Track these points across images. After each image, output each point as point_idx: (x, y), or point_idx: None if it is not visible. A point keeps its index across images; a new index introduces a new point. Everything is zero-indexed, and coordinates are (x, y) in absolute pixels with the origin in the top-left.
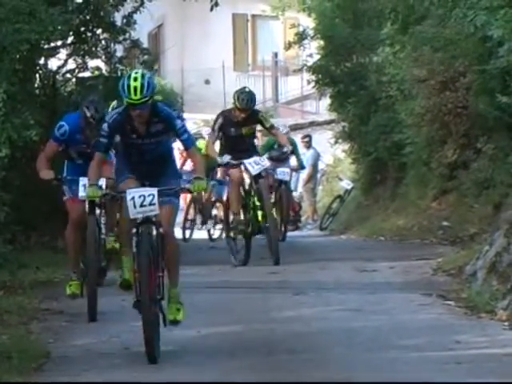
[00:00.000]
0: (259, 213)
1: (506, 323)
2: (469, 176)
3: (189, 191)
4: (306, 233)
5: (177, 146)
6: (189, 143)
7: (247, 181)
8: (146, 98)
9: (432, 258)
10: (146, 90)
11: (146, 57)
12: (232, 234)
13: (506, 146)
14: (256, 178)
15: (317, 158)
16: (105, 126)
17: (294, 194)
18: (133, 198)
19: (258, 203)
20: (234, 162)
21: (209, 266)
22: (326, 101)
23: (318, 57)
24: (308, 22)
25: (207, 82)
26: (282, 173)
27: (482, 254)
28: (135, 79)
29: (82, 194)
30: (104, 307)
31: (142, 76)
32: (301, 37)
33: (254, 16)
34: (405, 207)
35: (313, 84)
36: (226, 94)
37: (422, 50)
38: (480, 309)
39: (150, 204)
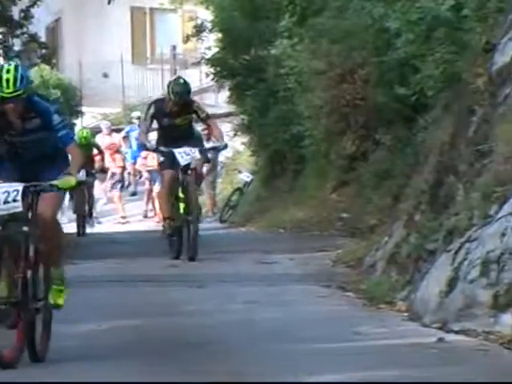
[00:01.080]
0: (181, 205)
1: (405, 314)
2: (368, 167)
3: (57, 188)
4: (205, 225)
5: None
6: (66, 140)
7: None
8: (19, 92)
9: (331, 249)
10: (20, 83)
11: (43, 51)
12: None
13: (404, 137)
14: (184, 169)
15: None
16: None
17: None
18: None
19: (181, 195)
20: (163, 149)
21: (106, 260)
22: (225, 93)
23: (217, 49)
24: (206, 15)
25: (105, 75)
26: None
27: (381, 245)
28: (8, 71)
29: None
30: None
31: (15, 68)
32: (199, 30)
33: (152, 9)
34: (304, 199)
35: (211, 77)
36: (124, 88)
37: (320, 42)
38: (379, 300)
39: (14, 200)
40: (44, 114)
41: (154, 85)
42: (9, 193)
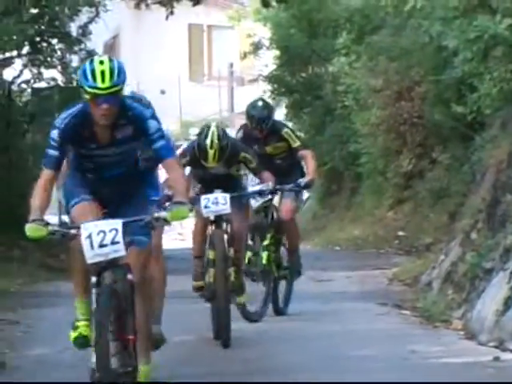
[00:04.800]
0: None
1: (462, 332)
2: (424, 186)
3: (165, 221)
4: None
5: None
6: (165, 152)
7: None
8: (118, 87)
9: (387, 267)
10: (118, 76)
11: None
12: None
13: (461, 156)
14: (216, 223)
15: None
16: (54, 133)
17: None
18: (89, 236)
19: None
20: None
21: None
22: (282, 111)
23: (274, 67)
24: (264, 32)
25: (163, 92)
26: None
27: (437, 263)
28: (101, 62)
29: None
30: (62, 317)
31: (110, 59)
32: (256, 47)
33: (209, 26)
34: (361, 217)
35: (268, 94)
36: (181, 105)
37: (378, 60)
38: (435, 318)
39: (113, 243)
40: (139, 119)
41: (211, 102)
42: (105, 233)
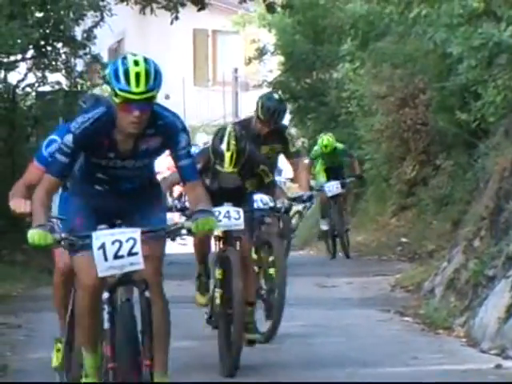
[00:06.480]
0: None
1: (464, 340)
2: (428, 192)
3: (189, 232)
4: None
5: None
6: (191, 173)
7: None
8: (154, 93)
9: (390, 274)
10: (154, 80)
11: (106, 72)
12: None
13: (464, 163)
14: (229, 238)
15: (278, 173)
16: (68, 137)
17: None
18: (103, 246)
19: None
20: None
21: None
22: (286, 116)
23: (278, 72)
24: (268, 38)
25: (167, 97)
26: None
27: (440, 270)
28: (136, 63)
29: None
30: None
31: (146, 60)
32: (261, 52)
33: (214, 31)
34: (364, 223)
35: None
36: (185, 109)
37: (382, 67)
38: (438, 325)
39: (130, 254)
40: (170, 130)
41: (216, 107)
42: (121, 243)
